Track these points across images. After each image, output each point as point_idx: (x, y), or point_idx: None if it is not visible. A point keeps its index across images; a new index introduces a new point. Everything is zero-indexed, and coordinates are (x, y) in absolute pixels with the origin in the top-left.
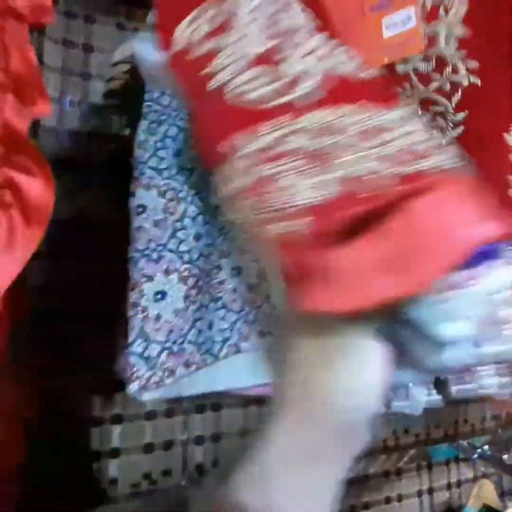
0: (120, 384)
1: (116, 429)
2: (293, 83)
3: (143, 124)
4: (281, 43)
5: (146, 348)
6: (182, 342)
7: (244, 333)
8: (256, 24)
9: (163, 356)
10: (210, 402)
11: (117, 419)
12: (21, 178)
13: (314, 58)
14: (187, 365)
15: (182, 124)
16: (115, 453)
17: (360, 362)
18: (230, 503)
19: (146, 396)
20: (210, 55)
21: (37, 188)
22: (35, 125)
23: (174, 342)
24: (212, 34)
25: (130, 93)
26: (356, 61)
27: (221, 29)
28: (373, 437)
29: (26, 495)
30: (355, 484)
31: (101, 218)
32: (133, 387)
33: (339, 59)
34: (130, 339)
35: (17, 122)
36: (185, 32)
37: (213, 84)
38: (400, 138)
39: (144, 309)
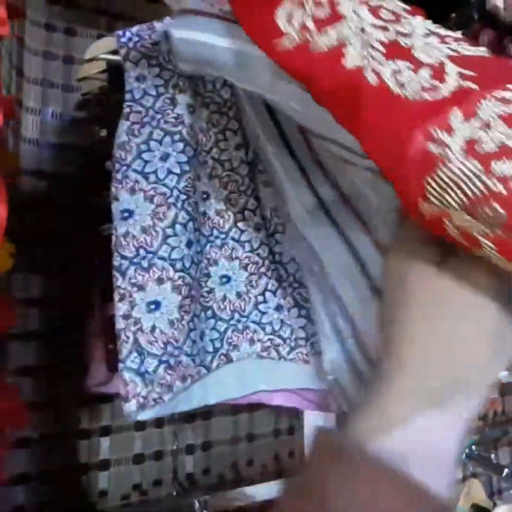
0: (108, 396)
1: (105, 441)
2: (439, 70)
3: (124, 125)
4: (396, 29)
5: (142, 362)
6: (179, 354)
7: (234, 342)
8: (362, 10)
9: (161, 370)
10: (200, 411)
11: (106, 431)
12: None
13: (435, 42)
14: (183, 378)
15: (168, 127)
16: (104, 465)
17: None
18: (357, 454)
19: (143, 416)
20: (339, 46)
21: None
22: (17, 137)
23: (171, 355)
24: (321, 23)
25: (107, 97)
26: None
27: (331, 18)
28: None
29: (17, 508)
30: None
31: (83, 229)
32: (130, 406)
33: (450, 42)
34: (122, 355)
35: None
36: (289, 24)
37: (368, 77)
38: None
39: (137, 321)
